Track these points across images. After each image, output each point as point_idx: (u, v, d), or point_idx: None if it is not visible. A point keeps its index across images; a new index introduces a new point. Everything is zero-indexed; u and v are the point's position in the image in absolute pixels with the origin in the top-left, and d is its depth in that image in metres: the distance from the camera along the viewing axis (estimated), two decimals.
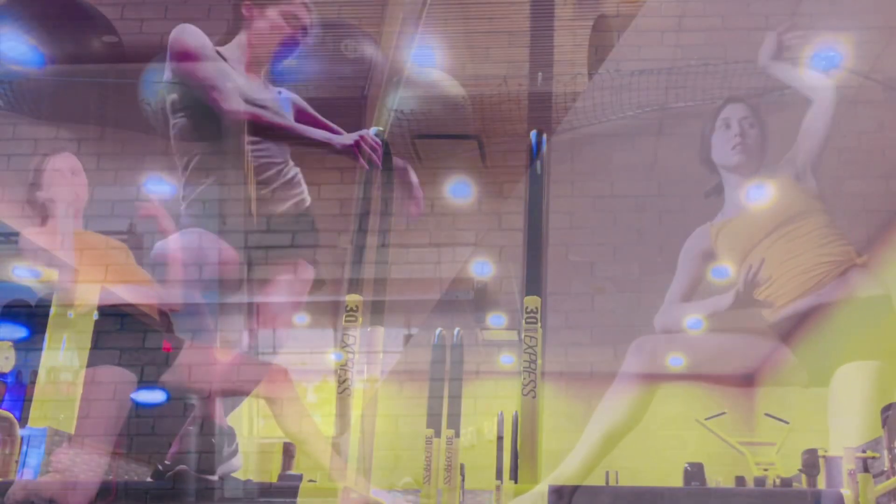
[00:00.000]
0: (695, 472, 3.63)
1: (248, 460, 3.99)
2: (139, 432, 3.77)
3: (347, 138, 3.65)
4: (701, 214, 4.01)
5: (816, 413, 3.42)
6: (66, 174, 3.88)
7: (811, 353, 3.42)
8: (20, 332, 5.18)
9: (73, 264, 3.64)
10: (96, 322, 4.37)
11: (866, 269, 3.44)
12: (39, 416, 4.89)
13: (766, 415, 3.92)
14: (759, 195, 3.66)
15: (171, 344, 3.48)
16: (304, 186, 3.67)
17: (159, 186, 4.55)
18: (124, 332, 3.71)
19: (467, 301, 5.30)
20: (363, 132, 3.71)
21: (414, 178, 3.65)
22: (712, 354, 3.58)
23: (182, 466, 3.18)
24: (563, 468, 3.28)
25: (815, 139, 3.57)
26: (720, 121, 3.75)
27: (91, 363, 3.51)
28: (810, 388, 3.52)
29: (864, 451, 2.77)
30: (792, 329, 3.44)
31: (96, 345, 3.79)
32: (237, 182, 3.67)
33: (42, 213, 3.84)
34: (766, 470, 3.47)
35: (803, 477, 3.43)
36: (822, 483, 3.08)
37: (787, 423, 3.78)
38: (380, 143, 3.71)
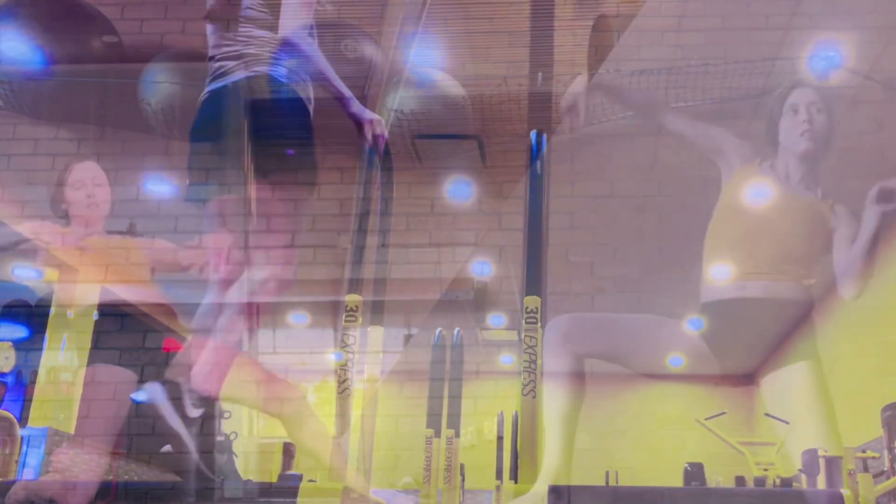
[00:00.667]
0: (695, 472, 3.62)
1: (248, 460, 3.99)
2: (139, 432, 3.77)
3: (364, 111, 3.64)
4: (701, 214, 4.01)
5: (816, 413, 3.42)
6: (87, 184, 3.87)
7: (726, 344, 3.44)
8: (20, 332, 5.19)
9: (74, 265, 3.64)
10: (96, 322, 4.37)
11: (802, 285, 3.46)
12: (39, 416, 4.89)
13: (766, 415, 3.92)
14: (797, 190, 3.63)
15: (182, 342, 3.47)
16: None
17: (159, 186, 4.56)
18: (124, 332, 3.71)
19: (467, 301, 5.30)
20: (378, 117, 3.71)
21: (356, 108, 3.58)
22: (628, 337, 3.59)
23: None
24: (546, 466, 3.29)
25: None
26: (787, 105, 3.66)
27: (91, 363, 3.51)
28: (720, 386, 3.54)
29: (864, 451, 2.77)
30: (713, 317, 3.45)
31: (96, 345, 3.79)
32: (237, 182, 3.67)
33: (63, 219, 3.84)
34: (766, 470, 3.47)
35: (803, 477, 3.43)
36: (822, 483, 3.08)
37: (787, 423, 3.77)
38: (386, 136, 3.72)
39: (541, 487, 3.08)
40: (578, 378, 3.46)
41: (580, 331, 3.55)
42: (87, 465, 3.39)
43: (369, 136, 3.64)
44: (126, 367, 3.43)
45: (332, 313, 3.94)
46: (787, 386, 3.37)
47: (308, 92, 3.51)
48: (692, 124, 3.82)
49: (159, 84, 3.90)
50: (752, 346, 3.37)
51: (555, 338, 3.49)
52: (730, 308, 3.41)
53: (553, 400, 3.42)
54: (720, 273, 3.50)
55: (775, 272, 3.41)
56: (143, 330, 3.65)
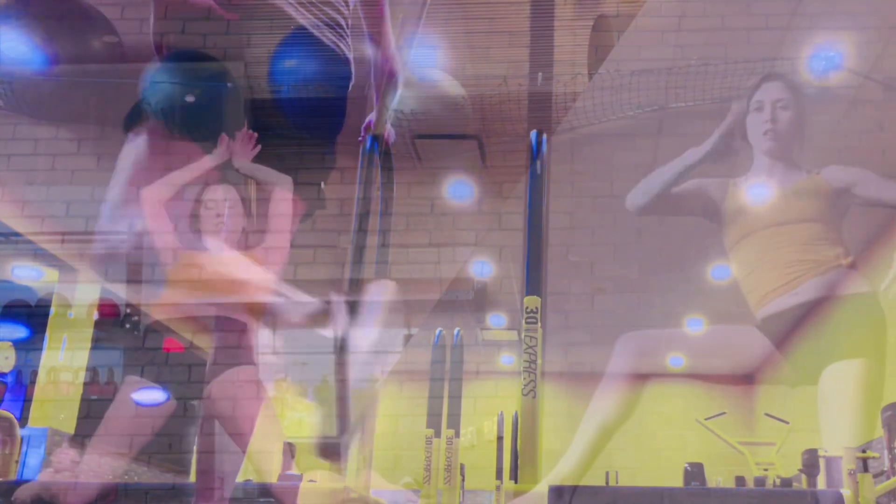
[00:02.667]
0: (695, 472, 3.62)
1: (247, 460, 3.99)
2: (139, 432, 3.77)
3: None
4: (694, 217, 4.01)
5: (816, 413, 3.42)
6: (221, 204, 3.76)
7: (798, 351, 3.41)
8: (20, 332, 5.19)
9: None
10: (96, 322, 4.37)
11: (851, 269, 3.42)
12: (39, 416, 4.89)
13: (766, 415, 3.91)
14: (783, 181, 3.59)
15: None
16: None
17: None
18: (124, 332, 3.71)
19: (467, 301, 5.30)
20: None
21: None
22: (703, 351, 3.56)
23: None
24: (561, 467, 3.28)
25: (862, 189, 3.53)
26: (754, 102, 3.62)
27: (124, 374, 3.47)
28: (798, 386, 3.51)
29: (864, 451, 2.77)
30: (777, 328, 3.42)
31: (96, 345, 3.79)
32: (238, 182, 3.67)
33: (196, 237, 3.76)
34: (766, 470, 3.47)
35: (803, 477, 3.43)
36: (822, 483, 3.08)
37: (787, 423, 3.77)
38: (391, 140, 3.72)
39: (544, 487, 3.08)
40: (634, 395, 3.43)
41: (654, 344, 3.52)
42: (88, 466, 3.39)
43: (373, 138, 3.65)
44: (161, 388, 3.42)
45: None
46: (843, 381, 3.31)
47: None
48: (675, 194, 3.76)
49: (159, 84, 3.89)
50: (821, 345, 3.32)
51: (628, 348, 3.47)
52: (790, 316, 3.38)
53: (598, 409, 3.40)
54: (768, 288, 3.47)
55: (816, 266, 3.38)
56: (143, 330, 3.65)
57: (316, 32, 3.61)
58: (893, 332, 3.36)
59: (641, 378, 3.44)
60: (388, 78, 3.65)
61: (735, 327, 3.57)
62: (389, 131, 3.77)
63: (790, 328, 3.37)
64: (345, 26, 3.67)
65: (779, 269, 3.41)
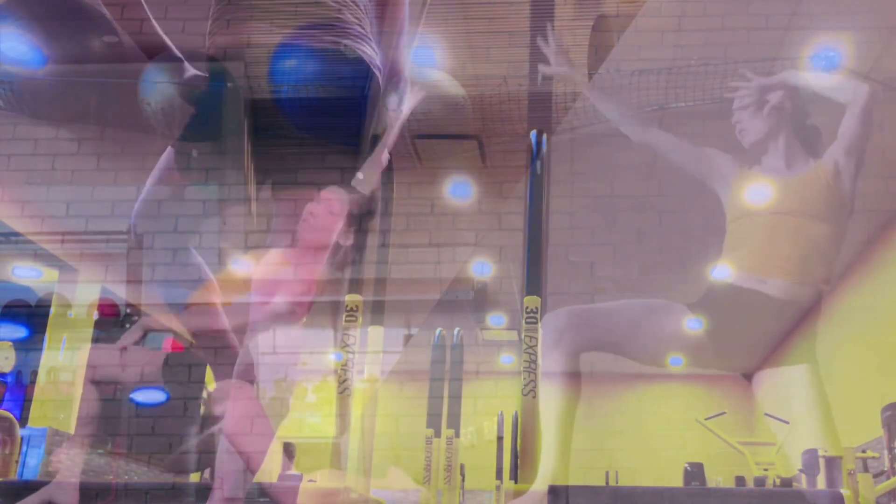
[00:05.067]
0: (695, 472, 3.63)
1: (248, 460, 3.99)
2: (139, 432, 3.77)
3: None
4: (701, 214, 4.01)
5: (816, 413, 3.42)
6: (322, 215, 3.70)
7: (726, 335, 3.41)
8: (20, 332, 5.19)
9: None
10: (96, 322, 4.37)
11: (821, 298, 3.45)
12: (39, 416, 4.89)
13: (766, 415, 3.92)
14: (789, 171, 3.61)
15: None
16: None
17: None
18: (124, 332, 3.71)
19: (467, 301, 5.30)
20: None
21: None
22: (625, 325, 3.54)
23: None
24: (543, 469, 3.27)
25: (849, 141, 3.55)
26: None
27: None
28: (708, 369, 3.50)
29: (864, 451, 2.77)
30: (717, 306, 3.42)
31: (96, 345, 3.78)
32: (237, 182, 3.67)
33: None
34: (766, 470, 3.47)
35: (803, 477, 3.43)
36: (822, 483, 3.08)
37: (787, 423, 3.78)
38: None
39: (538, 489, 3.07)
40: (574, 377, 3.41)
41: (576, 325, 3.49)
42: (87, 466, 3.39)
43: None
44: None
45: (332, 313, 3.94)
46: (786, 387, 3.35)
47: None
48: (681, 145, 3.81)
49: (159, 84, 3.89)
50: (754, 342, 3.34)
51: (550, 334, 3.44)
52: (743, 298, 3.38)
53: (549, 400, 3.38)
54: (740, 264, 3.46)
55: (798, 274, 3.39)
56: (142, 331, 3.65)
57: (327, 33, 3.61)
58: (892, 333, 3.37)
59: (575, 360, 3.41)
60: (394, 79, 3.65)
61: (665, 303, 3.57)
62: (385, 157, 3.76)
63: (730, 311, 3.37)
64: (363, 26, 3.67)
65: (764, 253, 3.42)
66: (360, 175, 3.57)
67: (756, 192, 3.58)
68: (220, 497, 3.16)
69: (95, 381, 3.39)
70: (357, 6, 3.56)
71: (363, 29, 3.65)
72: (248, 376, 3.29)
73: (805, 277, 3.39)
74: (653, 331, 3.49)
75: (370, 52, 3.65)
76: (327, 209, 3.55)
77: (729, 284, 3.43)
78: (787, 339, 3.38)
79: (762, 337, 3.36)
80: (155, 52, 3.75)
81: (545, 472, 3.21)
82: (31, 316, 5.05)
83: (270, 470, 3.46)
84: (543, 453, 3.30)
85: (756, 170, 3.65)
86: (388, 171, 3.91)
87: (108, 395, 3.44)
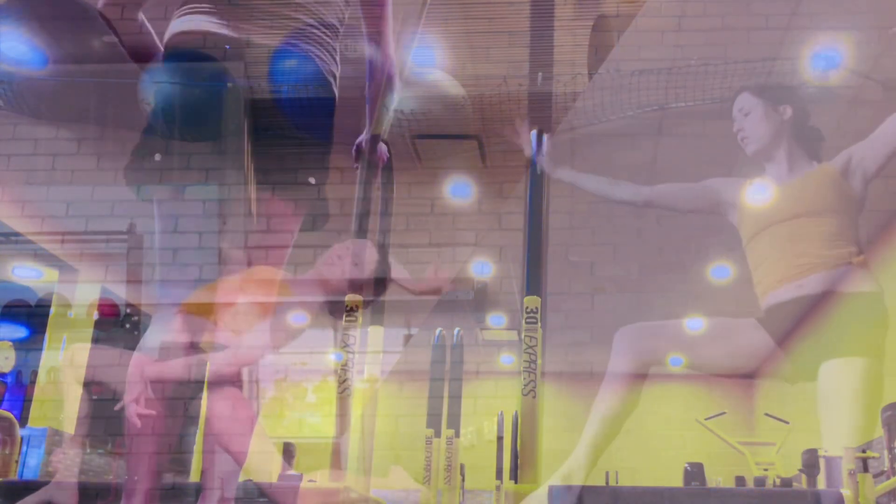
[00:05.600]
0: (695, 472, 3.63)
1: (248, 460, 3.99)
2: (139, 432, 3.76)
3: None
4: (701, 214, 4.01)
5: (817, 413, 3.42)
6: (346, 261, 3.68)
7: (798, 347, 3.40)
8: (20, 332, 5.19)
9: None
10: (96, 322, 4.37)
11: (861, 268, 3.41)
12: (39, 416, 4.89)
13: (766, 415, 3.92)
14: (792, 175, 3.61)
15: None
16: None
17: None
18: (124, 332, 3.70)
19: (467, 301, 5.30)
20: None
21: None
22: (703, 343, 3.54)
23: None
24: (570, 463, 3.26)
25: (883, 146, 3.54)
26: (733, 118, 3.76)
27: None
28: (796, 383, 3.50)
29: (864, 451, 2.77)
30: (778, 320, 3.41)
31: (96, 345, 3.78)
32: (237, 182, 3.67)
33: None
34: (766, 470, 3.47)
35: (803, 477, 3.43)
36: (822, 483, 3.08)
37: (787, 423, 3.78)
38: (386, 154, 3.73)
39: (553, 485, 3.07)
40: (637, 384, 3.42)
41: (653, 337, 3.51)
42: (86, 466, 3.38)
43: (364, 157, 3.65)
44: None
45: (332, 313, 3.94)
46: (842, 379, 3.31)
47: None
48: (683, 190, 3.81)
49: (159, 84, 3.89)
50: (821, 341, 3.31)
51: (626, 341, 3.46)
52: (792, 308, 3.37)
53: (602, 402, 3.38)
54: (771, 280, 3.47)
55: (825, 260, 3.38)
56: (143, 330, 3.65)
57: (318, 32, 3.61)
58: (894, 333, 3.36)
59: (642, 371, 3.43)
60: (386, 80, 3.64)
61: (736, 320, 3.57)
62: (382, 150, 3.77)
63: (791, 321, 3.36)
64: (339, 27, 3.67)
65: (787, 260, 3.41)
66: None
67: (763, 205, 3.58)
68: (218, 498, 3.16)
69: (96, 382, 3.38)
70: (349, 6, 3.56)
71: (360, 29, 3.65)
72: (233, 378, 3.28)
73: (836, 261, 3.37)
74: (728, 350, 3.50)
75: (370, 52, 3.65)
76: (352, 261, 3.55)
77: (777, 304, 3.42)
78: (852, 329, 3.33)
79: (827, 333, 3.32)
80: (154, 52, 3.75)
81: (566, 472, 3.21)
82: (31, 316, 5.05)
83: (270, 470, 3.45)
84: (576, 451, 3.30)
85: (759, 182, 3.65)
86: (389, 171, 3.91)
87: (107, 396, 3.44)
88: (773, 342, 3.38)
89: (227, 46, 3.40)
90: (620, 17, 4.57)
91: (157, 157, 3.54)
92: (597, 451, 3.32)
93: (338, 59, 3.59)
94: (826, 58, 4.37)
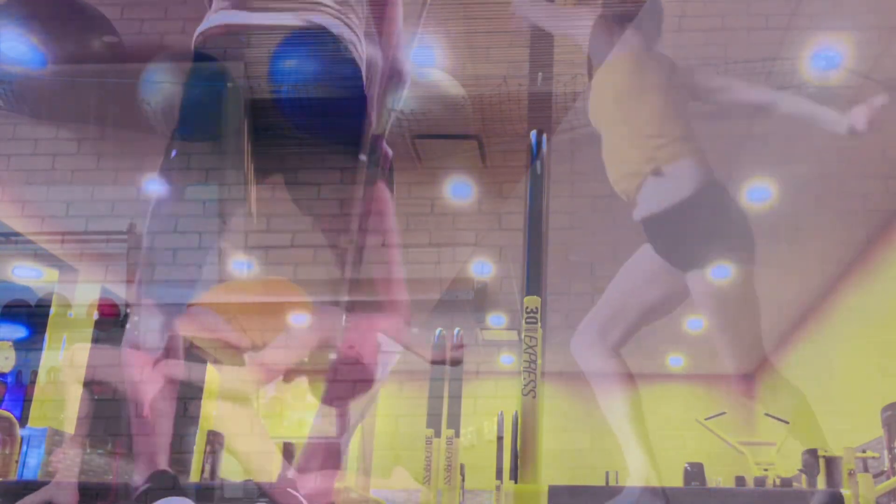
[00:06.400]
0: (695, 472, 3.63)
1: (248, 460, 3.99)
2: (139, 432, 3.76)
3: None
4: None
5: (817, 413, 3.42)
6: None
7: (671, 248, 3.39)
8: (20, 332, 5.19)
9: None
10: (96, 322, 4.37)
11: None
12: (39, 416, 4.89)
13: (766, 415, 3.92)
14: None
15: None
16: None
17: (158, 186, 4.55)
18: (123, 332, 3.70)
19: (467, 301, 5.30)
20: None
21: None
22: (627, 290, 3.53)
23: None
24: (633, 465, 3.26)
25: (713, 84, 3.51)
26: None
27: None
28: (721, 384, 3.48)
29: (864, 451, 2.77)
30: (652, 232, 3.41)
31: (96, 345, 3.78)
32: (237, 182, 3.66)
33: None
34: (766, 470, 3.48)
35: (803, 477, 3.43)
36: (822, 483, 3.08)
37: (787, 422, 3.78)
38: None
39: (633, 487, 3.08)
40: (623, 374, 3.42)
41: (595, 323, 3.51)
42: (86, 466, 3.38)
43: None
44: None
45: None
46: (714, 283, 3.32)
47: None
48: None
49: (159, 84, 3.89)
50: (693, 247, 3.32)
51: (584, 345, 3.46)
52: (669, 217, 3.36)
53: (611, 406, 3.39)
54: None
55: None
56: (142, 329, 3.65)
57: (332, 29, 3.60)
58: (892, 333, 3.36)
59: (614, 354, 3.42)
60: (394, 79, 3.64)
61: (634, 257, 3.55)
62: (386, 150, 3.77)
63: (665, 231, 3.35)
64: (354, 26, 3.66)
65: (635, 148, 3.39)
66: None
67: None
68: (220, 497, 3.16)
69: (96, 382, 3.38)
70: (353, 5, 3.55)
71: (363, 28, 3.64)
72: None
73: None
74: (642, 276, 3.48)
75: (371, 52, 3.65)
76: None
77: (650, 216, 3.39)
78: (723, 237, 3.33)
79: (700, 239, 3.32)
80: (154, 52, 3.75)
81: (637, 469, 3.22)
82: (31, 316, 5.05)
83: (270, 470, 3.46)
84: (627, 453, 3.30)
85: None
86: (389, 171, 3.91)
87: (107, 396, 3.44)
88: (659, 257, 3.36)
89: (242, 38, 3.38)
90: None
91: (174, 153, 3.55)
92: (646, 442, 3.33)
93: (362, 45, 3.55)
94: (826, 58, 4.37)
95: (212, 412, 3.46)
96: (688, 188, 3.28)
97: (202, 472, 4.15)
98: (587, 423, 3.69)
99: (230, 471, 4.73)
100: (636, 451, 3.27)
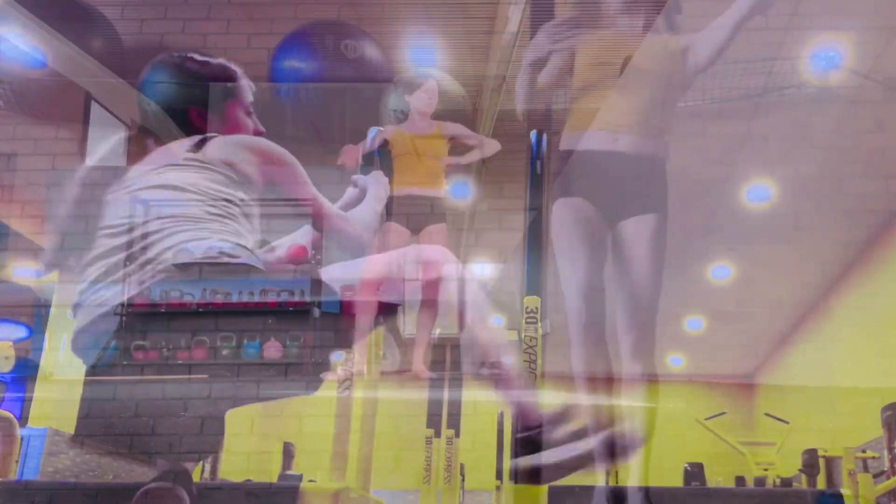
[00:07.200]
0: (695, 472, 3.63)
1: (248, 460, 4.00)
2: (139, 432, 3.76)
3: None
4: (701, 214, 4.01)
5: (817, 413, 3.42)
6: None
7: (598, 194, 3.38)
8: (20, 332, 5.19)
9: None
10: None
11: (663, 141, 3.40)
12: (39, 416, 4.89)
13: (766, 415, 3.92)
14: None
15: None
16: None
17: None
18: (123, 332, 3.70)
19: None
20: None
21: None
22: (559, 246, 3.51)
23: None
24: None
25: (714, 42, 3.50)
26: None
27: None
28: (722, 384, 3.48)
29: (864, 451, 2.77)
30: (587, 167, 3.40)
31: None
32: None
33: None
34: (766, 470, 3.48)
35: (803, 477, 3.43)
36: (822, 483, 3.09)
37: (787, 422, 3.78)
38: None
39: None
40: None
41: (582, 342, 3.51)
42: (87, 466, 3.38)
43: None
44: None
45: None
46: (636, 232, 3.32)
47: None
48: None
49: (159, 84, 3.89)
50: (620, 197, 3.31)
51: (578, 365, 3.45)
52: (604, 160, 3.34)
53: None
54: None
55: (640, 128, 3.34)
56: (143, 329, 3.64)
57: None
58: (892, 333, 3.36)
59: (602, 354, 3.41)
60: (385, 80, 3.65)
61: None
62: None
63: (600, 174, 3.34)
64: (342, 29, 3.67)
65: (618, 113, 3.38)
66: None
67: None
68: (220, 496, 3.16)
69: (96, 381, 3.38)
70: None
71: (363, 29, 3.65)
72: None
73: (646, 130, 3.34)
74: (581, 245, 3.45)
75: (371, 52, 3.66)
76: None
77: (588, 151, 3.37)
78: (644, 192, 3.33)
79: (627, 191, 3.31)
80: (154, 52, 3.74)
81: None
82: (31, 316, 5.05)
83: (270, 470, 3.46)
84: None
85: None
86: (389, 171, 3.91)
87: (108, 395, 3.44)
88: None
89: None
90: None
91: None
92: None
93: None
94: (826, 58, 4.37)
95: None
96: (635, 149, 3.28)
97: (202, 472, 4.15)
98: None
99: (231, 471, 4.73)
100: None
